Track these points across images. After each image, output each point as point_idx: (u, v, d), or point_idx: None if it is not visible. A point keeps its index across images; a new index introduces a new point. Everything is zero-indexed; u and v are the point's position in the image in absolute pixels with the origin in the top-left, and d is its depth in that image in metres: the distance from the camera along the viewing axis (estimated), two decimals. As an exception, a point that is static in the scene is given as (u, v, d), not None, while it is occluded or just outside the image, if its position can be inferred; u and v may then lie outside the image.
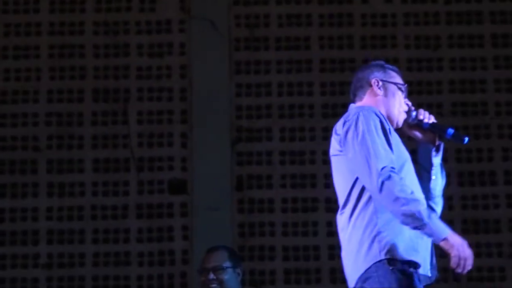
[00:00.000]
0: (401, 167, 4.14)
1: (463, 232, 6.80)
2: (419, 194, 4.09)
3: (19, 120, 7.28)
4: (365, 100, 4.36)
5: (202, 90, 7.28)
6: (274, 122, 7.28)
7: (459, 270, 3.98)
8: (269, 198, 7.15)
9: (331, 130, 7.06)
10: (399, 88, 4.42)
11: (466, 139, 4.40)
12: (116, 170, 7.17)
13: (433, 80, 7.29)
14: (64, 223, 7.08)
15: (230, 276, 5.41)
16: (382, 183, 3.96)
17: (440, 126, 4.40)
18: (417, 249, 4.05)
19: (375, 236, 4.01)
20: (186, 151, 7.22)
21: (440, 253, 4.29)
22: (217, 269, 5.38)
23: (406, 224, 3.97)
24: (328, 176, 6.96)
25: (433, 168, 4.31)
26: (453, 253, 3.95)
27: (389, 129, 4.23)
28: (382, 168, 3.99)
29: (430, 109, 6.94)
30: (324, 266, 7.01)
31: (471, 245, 6.73)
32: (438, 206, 4.36)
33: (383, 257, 3.98)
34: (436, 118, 7.12)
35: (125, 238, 7.07)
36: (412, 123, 4.37)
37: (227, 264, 5.42)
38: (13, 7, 7.48)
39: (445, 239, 3.97)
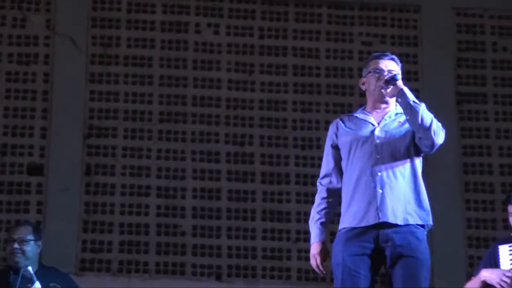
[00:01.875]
0: (348, 151, 4.17)
1: (262, 219, 7.10)
2: (364, 165, 4.06)
3: None
4: None
5: (62, 94, 7.13)
6: (120, 123, 7.19)
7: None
8: (111, 183, 7.07)
9: (165, 132, 7.15)
10: (372, 72, 4.27)
11: (396, 75, 4.17)
12: (-19, 153, 6.97)
13: (247, 98, 7.36)
14: None
15: (31, 248, 5.25)
16: None
17: (389, 78, 4.17)
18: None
19: None
20: (45, 141, 7.07)
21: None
22: (21, 240, 5.23)
23: None
24: (161, 168, 7.07)
25: (404, 112, 4.11)
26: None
27: (339, 129, 4.23)
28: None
29: (243, 120, 7.22)
30: (152, 240, 6.97)
31: (268, 230, 7.09)
32: (430, 136, 4.05)
33: None
34: (248, 126, 7.18)
35: (-14, 209, 6.86)
36: (388, 89, 4.19)
37: (30, 237, 5.27)
38: None
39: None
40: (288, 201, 7.21)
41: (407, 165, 4.10)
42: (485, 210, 7.28)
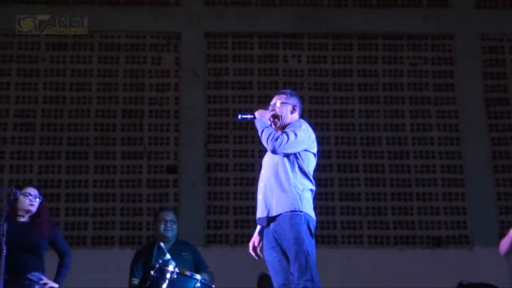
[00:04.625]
0: None
1: (339, 199, 6.96)
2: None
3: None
4: None
5: (188, 112, 7.28)
6: (229, 131, 7.29)
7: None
8: (226, 177, 7.17)
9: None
10: None
11: (240, 116, 4.19)
12: (135, 158, 7.12)
13: (324, 109, 7.19)
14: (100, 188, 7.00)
15: (177, 227, 5.29)
16: None
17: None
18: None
19: None
20: (177, 147, 7.20)
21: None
22: (172, 221, 5.25)
23: None
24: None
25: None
26: None
27: None
28: None
29: (322, 126, 7.14)
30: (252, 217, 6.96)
31: (343, 207, 6.92)
32: (267, 146, 4.04)
33: None
34: (325, 132, 7.22)
35: (139, 199, 7.00)
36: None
37: (176, 219, 5.33)
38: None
39: None
40: (358, 185, 7.23)
41: (275, 170, 4.05)
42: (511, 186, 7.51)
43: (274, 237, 3.98)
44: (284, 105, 4.19)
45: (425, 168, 7.21)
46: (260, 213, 4.05)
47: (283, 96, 4.25)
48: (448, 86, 7.47)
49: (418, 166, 7.21)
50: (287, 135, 4.01)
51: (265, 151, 4.16)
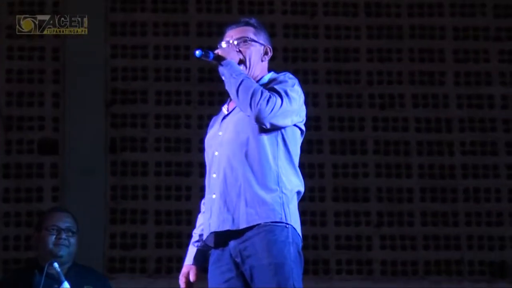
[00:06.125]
0: (207, 154, 4.20)
1: (333, 199, 7.26)
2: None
3: None
4: None
5: (76, 50, 7.18)
6: (150, 84, 7.23)
7: None
8: (143, 161, 7.14)
9: (207, 95, 7.18)
10: None
11: (194, 52, 4.09)
12: (-17, 129, 6.86)
13: (309, 47, 7.37)
14: None
15: (75, 241, 5.32)
16: None
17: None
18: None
19: None
20: (58, 111, 7.16)
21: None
22: (69, 231, 5.28)
23: None
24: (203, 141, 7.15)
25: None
26: None
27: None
28: None
29: (305, 75, 7.08)
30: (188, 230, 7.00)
31: (340, 213, 7.14)
32: (249, 110, 4.08)
33: None
34: (312, 86, 7.20)
35: (-9, 198, 6.93)
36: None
37: (76, 228, 5.34)
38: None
39: None
40: (366, 175, 7.27)
41: (244, 151, 4.04)
42: None
43: (235, 262, 3.92)
44: (252, 45, 4.16)
45: (478, 148, 7.32)
46: (217, 224, 3.95)
47: (250, 29, 4.20)
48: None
49: (466, 144, 7.36)
50: (280, 97, 3.96)
51: (209, 117, 4.33)
